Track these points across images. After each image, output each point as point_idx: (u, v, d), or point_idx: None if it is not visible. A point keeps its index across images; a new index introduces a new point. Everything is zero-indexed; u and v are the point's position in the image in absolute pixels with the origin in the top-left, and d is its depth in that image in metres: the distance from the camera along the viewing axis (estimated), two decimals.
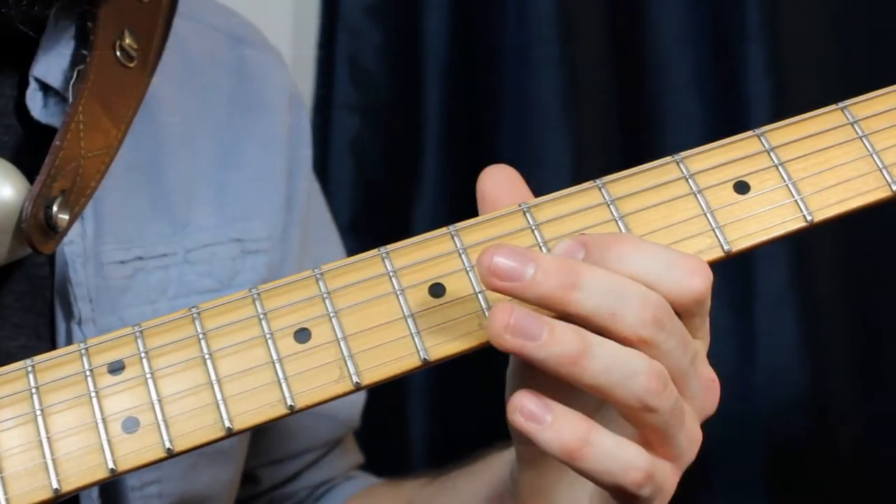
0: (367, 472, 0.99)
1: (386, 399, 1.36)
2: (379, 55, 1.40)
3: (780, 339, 1.31)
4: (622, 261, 0.57)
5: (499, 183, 0.62)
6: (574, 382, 0.56)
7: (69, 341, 0.74)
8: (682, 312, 0.58)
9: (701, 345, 0.60)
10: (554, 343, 0.55)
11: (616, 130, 1.36)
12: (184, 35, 0.81)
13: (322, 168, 1.40)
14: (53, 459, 0.56)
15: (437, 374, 1.36)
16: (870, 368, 1.33)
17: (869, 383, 1.33)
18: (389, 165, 1.42)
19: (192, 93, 0.85)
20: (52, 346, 0.74)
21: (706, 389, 0.60)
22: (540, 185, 1.42)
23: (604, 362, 0.55)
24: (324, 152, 1.41)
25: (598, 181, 0.61)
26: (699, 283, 0.57)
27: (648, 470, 0.57)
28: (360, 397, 0.96)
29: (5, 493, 0.56)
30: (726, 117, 1.32)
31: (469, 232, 0.60)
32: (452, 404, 1.41)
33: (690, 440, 0.59)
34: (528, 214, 0.60)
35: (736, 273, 1.32)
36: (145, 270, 0.79)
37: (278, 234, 0.87)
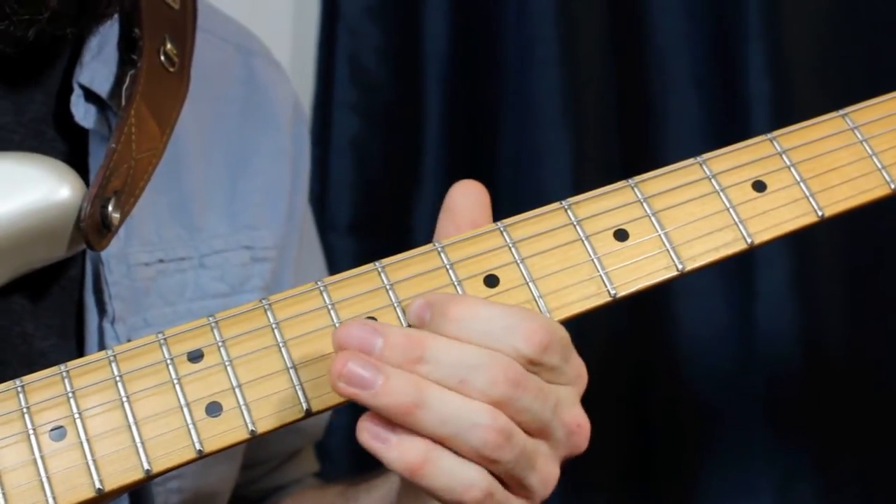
0: (318, 479, 1.04)
1: None
2: (379, 55, 1.44)
3: (779, 338, 1.34)
4: (461, 325, 0.62)
5: (467, 196, 0.70)
6: (413, 431, 0.61)
7: (100, 339, 0.80)
8: (535, 366, 0.63)
9: (568, 390, 0.65)
10: (386, 393, 0.60)
11: (616, 130, 1.40)
12: (197, 46, 0.86)
13: (322, 168, 1.44)
14: (143, 442, 0.63)
15: None
16: (870, 368, 1.38)
17: (869, 384, 1.37)
18: (389, 165, 1.45)
19: (206, 103, 0.91)
20: (79, 344, 0.80)
21: (572, 434, 0.65)
22: (540, 184, 1.47)
23: (439, 414, 0.61)
24: (324, 152, 1.44)
25: (630, 181, 0.71)
26: (538, 339, 0.62)
27: (488, 489, 0.62)
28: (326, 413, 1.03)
29: (99, 475, 0.63)
30: (726, 117, 1.36)
31: (519, 227, 0.70)
32: None
33: (544, 481, 0.65)
34: (569, 212, 0.70)
35: (736, 273, 1.35)
36: (166, 273, 0.85)
37: (281, 244, 0.94)
